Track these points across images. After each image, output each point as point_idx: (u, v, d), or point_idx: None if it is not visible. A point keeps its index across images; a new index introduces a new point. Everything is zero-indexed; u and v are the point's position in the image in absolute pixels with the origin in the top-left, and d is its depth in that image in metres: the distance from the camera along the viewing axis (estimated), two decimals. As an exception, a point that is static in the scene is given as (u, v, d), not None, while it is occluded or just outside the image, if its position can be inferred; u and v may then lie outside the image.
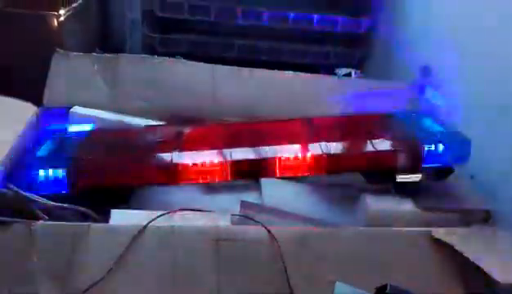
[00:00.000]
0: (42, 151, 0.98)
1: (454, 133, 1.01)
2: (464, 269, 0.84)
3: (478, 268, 0.78)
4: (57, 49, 1.19)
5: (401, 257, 0.85)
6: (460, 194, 1.01)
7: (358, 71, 1.67)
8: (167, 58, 1.24)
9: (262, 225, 0.85)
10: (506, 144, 0.99)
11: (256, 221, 0.87)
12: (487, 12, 1.08)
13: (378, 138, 1.01)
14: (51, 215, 0.85)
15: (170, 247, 0.82)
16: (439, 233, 0.87)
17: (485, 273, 0.77)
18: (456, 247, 0.83)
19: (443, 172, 1.01)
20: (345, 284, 0.74)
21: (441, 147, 0.98)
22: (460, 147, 0.98)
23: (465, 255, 0.81)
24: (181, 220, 0.88)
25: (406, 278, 0.78)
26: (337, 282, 0.74)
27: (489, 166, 1.02)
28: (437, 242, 0.86)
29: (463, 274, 0.84)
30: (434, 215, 0.95)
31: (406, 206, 0.96)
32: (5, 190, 0.85)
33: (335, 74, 1.64)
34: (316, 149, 0.97)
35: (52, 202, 0.87)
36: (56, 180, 0.91)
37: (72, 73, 1.19)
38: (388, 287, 0.69)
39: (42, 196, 0.87)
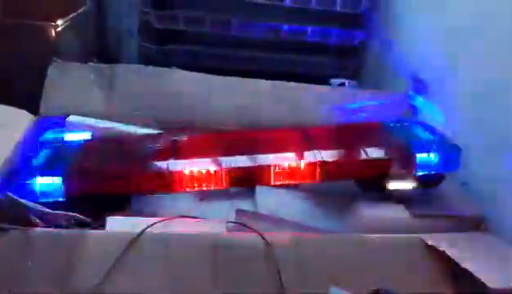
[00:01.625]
0: (39, 159, 0.98)
1: (445, 141, 1.03)
2: (455, 275, 0.85)
3: (468, 273, 0.79)
4: (54, 59, 1.21)
5: (394, 263, 0.85)
6: (452, 201, 1.02)
7: (352, 81, 1.69)
8: (162, 68, 1.26)
9: (258, 232, 0.86)
10: (497, 151, 1.01)
11: (251, 228, 0.88)
12: (475, 23, 1.11)
13: (371, 146, 1.02)
14: (48, 222, 0.86)
15: (166, 254, 0.82)
16: (431, 239, 0.88)
17: (475, 279, 0.78)
18: (448, 253, 0.84)
19: (435, 179, 1.02)
20: (339, 290, 0.75)
21: (432, 155, 0.99)
22: (451, 154, 1.00)
23: (456, 260, 0.82)
24: (176, 227, 0.89)
25: (397, 284, 0.79)
26: (331, 288, 0.75)
27: (480, 173, 1.04)
28: (429, 248, 0.87)
29: (454, 280, 0.85)
30: (426, 221, 0.96)
31: (399, 213, 0.97)
32: (2, 198, 0.85)
33: (329, 84, 1.66)
34: (310, 157, 0.99)
35: (49, 210, 0.87)
36: (53, 188, 0.92)
37: (69, 83, 1.20)
38: (381, 292, 0.70)
39: (39, 204, 0.88)
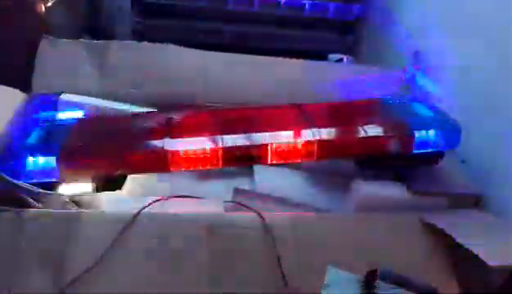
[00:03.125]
0: (32, 139, 0.97)
1: (444, 118, 1.02)
2: (454, 253, 0.85)
3: (467, 251, 0.79)
4: (45, 35, 1.17)
5: (392, 241, 0.85)
6: (451, 179, 1.01)
7: (350, 57, 1.66)
8: (156, 44, 1.23)
9: (255, 212, 0.85)
10: (496, 129, 1.00)
11: (249, 208, 0.87)
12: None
13: (369, 124, 1.01)
14: (42, 202, 0.84)
15: (163, 234, 0.81)
16: (429, 217, 0.87)
17: (474, 257, 0.78)
18: (446, 231, 0.84)
19: (434, 157, 1.01)
20: (337, 268, 0.75)
21: (431, 132, 0.98)
22: (450, 132, 0.99)
23: (455, 238, 0.82)
24: (174, 207, 0.88)
25: (396, 262, 0.79)
26: (329, 267, 0.75)
27: (479, 151, 1.03)
28: (427, 226, 0.87)
29: (452, 257, 0.85)
30: (425, 199, 0.95)
31: (397, 191, 0.97)
32: (-6, 178, 0.84)
33: (327, 60, 1.63)
34: (307, 135, 0.97)
35: (42, 190, 0.86)
36: (46, 167, 0.90)
37: (60, 60, 1.17)
38: (379, 271, 0.69)
39: (32, 184, 0.86)
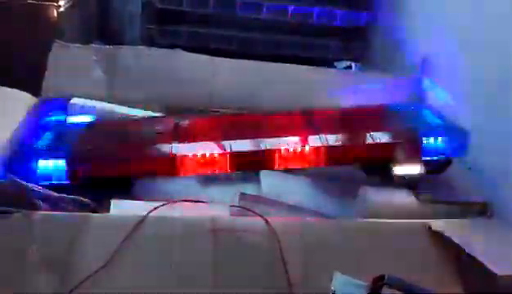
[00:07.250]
0: (42, 142, 0.98)
1: (452, 125, 1.02)
2: (462, 261, 0.84)
3: (475, 260, 0.78)
4: (56, 40, 1.19)
5: (399, 249, 0.85)
6: (459, 186, 1.01)
7: (358, 64, 1.66)
8: (165, 49, 1.24)
9: (261, 217, 0.85)
10: (504, 135, 0.99)
11: (255, 213, 0.87)
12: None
13: (377, 130, 1.01)
14: (51, 205, 0.85)
15: (169, 238, 0.82)
16: (437, 225, 0.87)
17: (483, 266, 0.77)
18: (454, 239, 0.83)
19: (442, 164, 1.01)
20: (343, 275, 0.75)
21: (439, 139, 0.98)
22: (458, 139, 0.99)
23: (463, 247, 0.81)
24: (180, 210, 0.88)
25: (403, 270, 0.78)
26: (335, 273, 0.75)
27: (487, 158, 1.02)
28: (435, 234, 0.86)
29: (460, 266, 0.84)
30: (432, 207, 0.95)
31: (405, 198, 0.96)
32: (4, 180, 0.85)
33: (335, 67, 1.64)
34: (315, 141, 0.97)
35: (52, 193, 0.87)
36: (56, 170, 0.91)
37: (71, 64, 1.18)
38: (386, 278, 0.69)
39: (42, 186, 0.87)
